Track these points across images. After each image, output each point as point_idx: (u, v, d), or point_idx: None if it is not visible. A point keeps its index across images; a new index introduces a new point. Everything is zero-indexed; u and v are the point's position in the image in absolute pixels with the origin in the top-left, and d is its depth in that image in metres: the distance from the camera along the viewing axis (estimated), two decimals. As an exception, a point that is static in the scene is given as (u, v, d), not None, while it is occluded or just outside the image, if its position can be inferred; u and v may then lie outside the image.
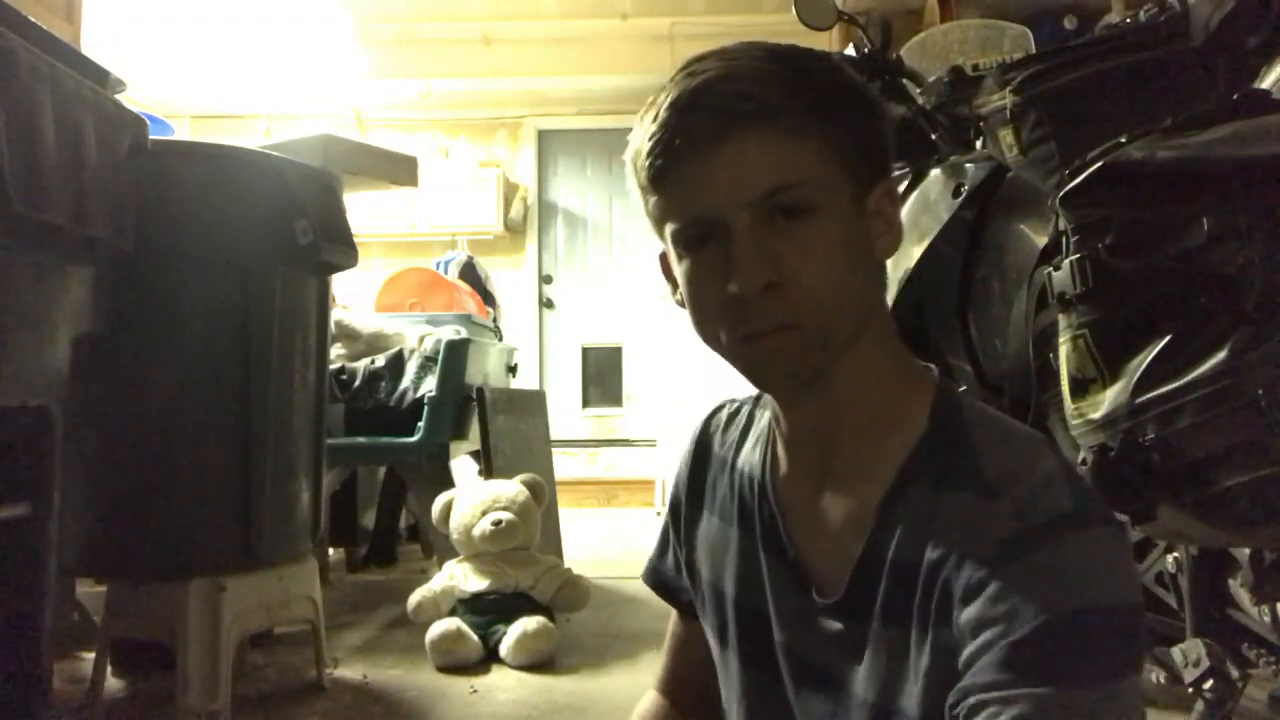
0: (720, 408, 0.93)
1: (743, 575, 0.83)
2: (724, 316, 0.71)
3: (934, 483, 0.70)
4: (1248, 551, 1.23)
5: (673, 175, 0.70)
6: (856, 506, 0.74)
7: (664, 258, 0.77)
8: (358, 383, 2.92)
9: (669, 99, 0.70)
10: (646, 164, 0.71)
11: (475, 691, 2.01)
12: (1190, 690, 1.29)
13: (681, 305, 0.76)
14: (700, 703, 0.95)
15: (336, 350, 2.98)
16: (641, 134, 0.72)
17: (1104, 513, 0.68)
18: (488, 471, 2.81)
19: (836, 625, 0.75)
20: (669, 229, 0.73)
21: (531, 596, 2.34)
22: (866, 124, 0.74)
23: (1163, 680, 1.42)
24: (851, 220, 0.72)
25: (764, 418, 0.86)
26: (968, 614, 0.64)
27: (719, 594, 0.86)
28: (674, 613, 0.99)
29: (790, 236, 0.69)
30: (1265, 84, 1.26)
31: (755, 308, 0.69)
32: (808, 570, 0.78)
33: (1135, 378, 1.03)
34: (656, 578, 0.99)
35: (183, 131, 5.45)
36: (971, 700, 0.62)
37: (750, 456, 0.85)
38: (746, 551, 0.83)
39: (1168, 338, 1.01)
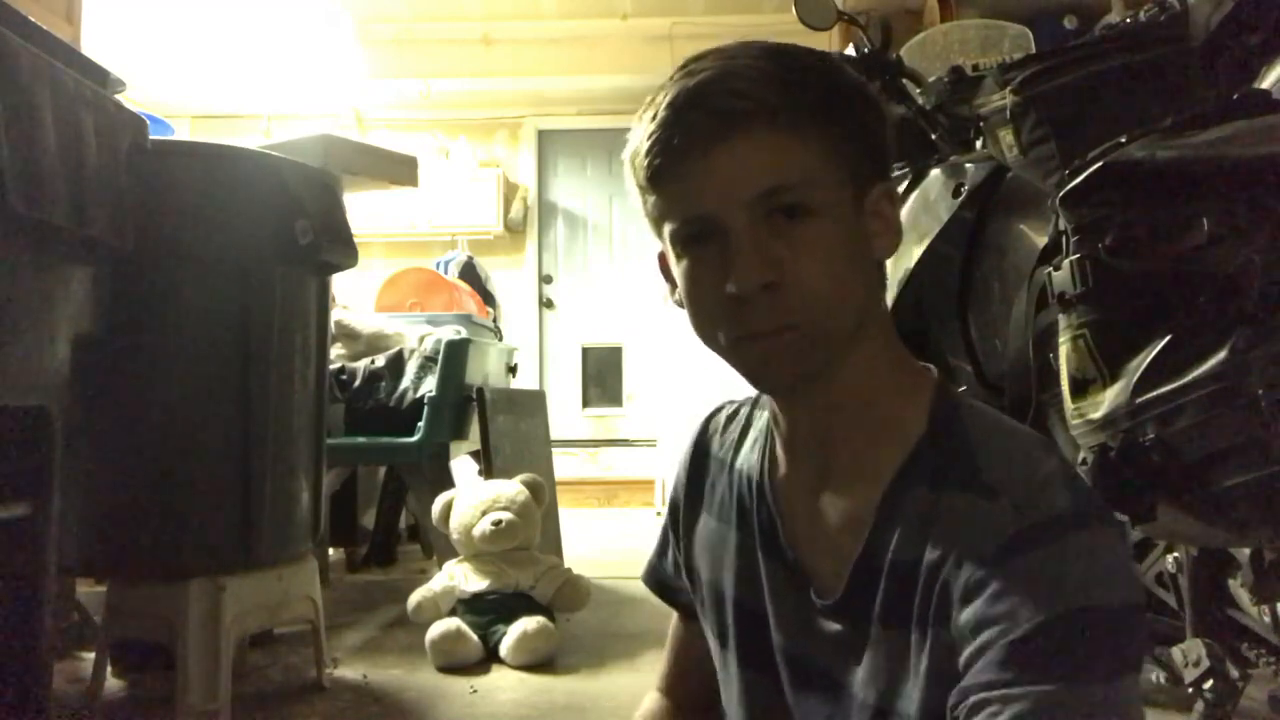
0: (719, 409, 0.93)
1: (741, 576, 0.83)
2: (723, 316, 0.71)
3: (932, 483, 0.70)
4: (1248, 551, 1.23)
5: (671, 175, 0.70)
6: (855, 507, 0.74)
7: (662, 257, 0.77)
8: (358, 383, 2.92)
9: (667, 98, 0.70)
10: (645, 163, 0.71)
11: (475, 691, 2.01)
12: (1190, 690, 1.29)
13: (680, 305, 0.75)
14: (702, 703, 0.95)
15: (336, 350, 2.98)
16: (640, 133, 0.72)
17: (1103, 512, 0.67)
18: (488, 471, 2.81)
19: (835, 626, 0.75)
20: (667, 228, 0.73)
21: (531, 596, 2.34)
22: (866, 124, 0.73)
23: (1163, 680, 1.42)
24: (850, 220, 0.71)
25: (762, 419, 0.85)
26: (967, 614, 0.64)
27: (719, 595, 0.86)
28: (675, 614, 0.99)
29: (789, 236, 0.69)
30: (1265, 84, 1.26)
31: (754, 308, 0.68)
32: (807, 571, 0.77)
33: (1135, 378, 1.03)
34: (656, 579, 0.99)
35: (183, 131, 5.45)
36: (972, 700, 0.62)
37: (749, 457, 0.85)
38: (745, 553, 0.83)
39: (1168, 338, 1.01)
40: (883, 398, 0.75)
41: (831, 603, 0.75)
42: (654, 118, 0.70)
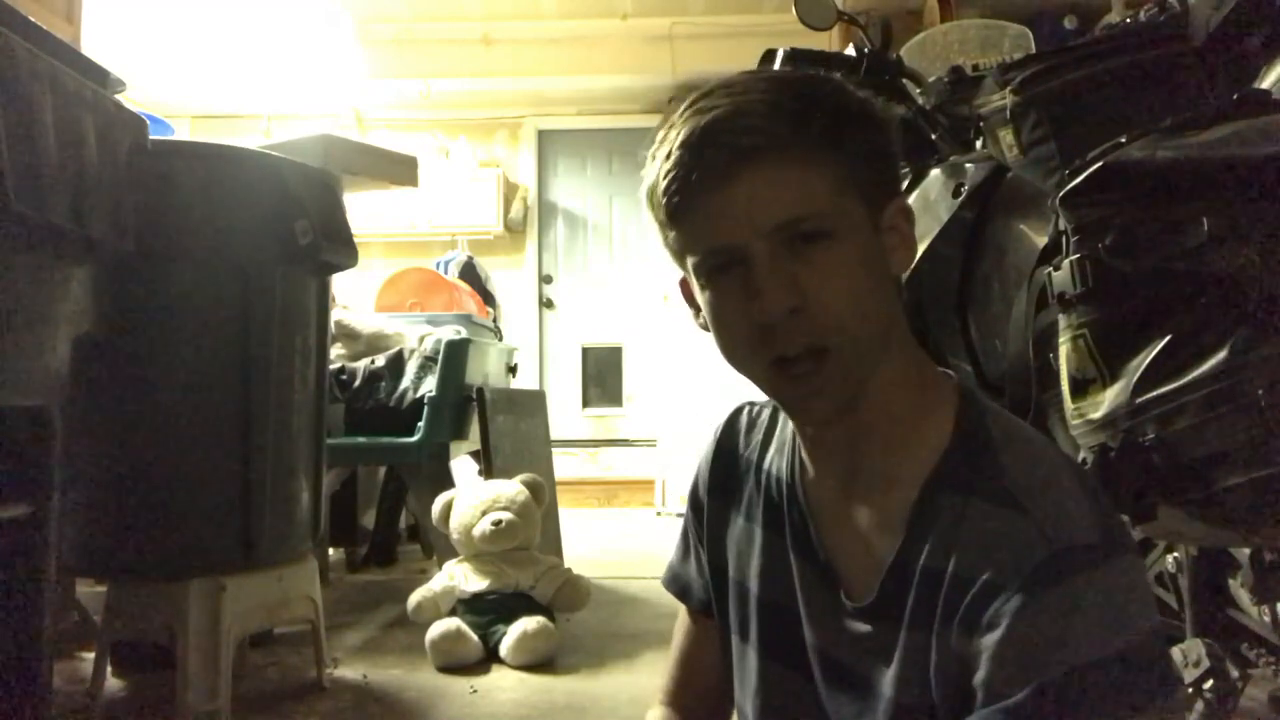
0: (740, 410, 0.95)
1: (768, 574, 0.85)
2: (751, 344, 0.73)
3: (961, 491, 0.71)
4: (1248, 551, 1.23)
5: (690, 210, 0.72)
6: (884, 512, 0.76)
7: (684, 283, 0.79)
8: (358, 383, 2.92)
9: (680, 137, 0.72)
10: (663, 200, 0.73)
11: (475, 691, 2.01)
12: (1190, 690, 1.29)
13: (705, 329, 0.77)
14: (706, 707, 0.96)
15: (336, 350, 2.98)
16: (655, 171, 0.74)
17: (1121, 537, 0.69)
18: (488, 471, 2.81)
19: (865, 628, 0.76)
20: (690, 261, 0.75)
21: (531, 596, 2.34)
22: (875, 144, 0.75)
23: (1163, 680, 1.42)
24: (868, 239, 0.73)
25: (788, 424, 0.87)
26: (987, 642, 0.65)
27: (743, 590, 0.88)
28: (682, 619, 0.99)
29: (809, 260, 0.70)
30: (1265, 84, 1.26)
31: (782, 332, 0.71)
32: (836, 573, 0.79)
33: (1135, 378, 1.03)
34: (679, 584, 0.99)
35: (183, 131, 5.45)
36: None
37: (777, 460, 0.87)
38: (774, 552, 0.84)
39: (1168, 338, 1.01)
40: (909, 406, 0.76)
41: (863, 605, 0.76)
42: (668, 155, 0.72)
